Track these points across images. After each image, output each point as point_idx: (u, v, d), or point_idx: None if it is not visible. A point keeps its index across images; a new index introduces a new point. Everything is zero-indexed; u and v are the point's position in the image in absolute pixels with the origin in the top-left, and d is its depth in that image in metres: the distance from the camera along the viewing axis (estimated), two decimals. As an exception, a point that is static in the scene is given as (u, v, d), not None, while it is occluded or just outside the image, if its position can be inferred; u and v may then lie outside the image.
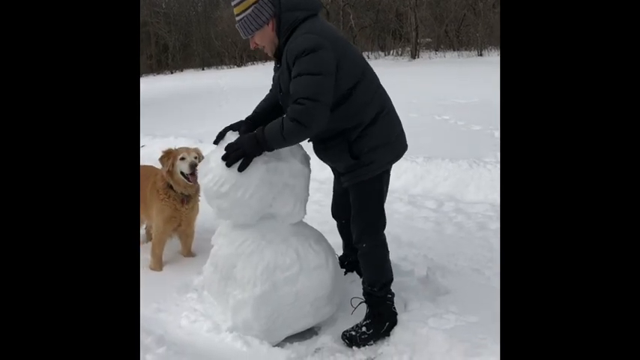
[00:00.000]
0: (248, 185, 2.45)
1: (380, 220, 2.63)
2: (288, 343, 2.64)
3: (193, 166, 3.26)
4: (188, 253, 3.70)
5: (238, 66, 26.56)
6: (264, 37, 2.41)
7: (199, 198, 3.50)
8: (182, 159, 3.33)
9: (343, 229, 3.06)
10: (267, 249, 2.58)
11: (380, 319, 2.64)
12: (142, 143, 8.09)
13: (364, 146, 2.44)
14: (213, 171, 2.49)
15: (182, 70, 29.17)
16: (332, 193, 3.05)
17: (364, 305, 2.71)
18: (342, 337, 2.63)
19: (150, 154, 7.48)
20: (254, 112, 2.70)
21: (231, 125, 2.68)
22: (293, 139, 2.36)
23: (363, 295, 2.70)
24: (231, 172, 2.44)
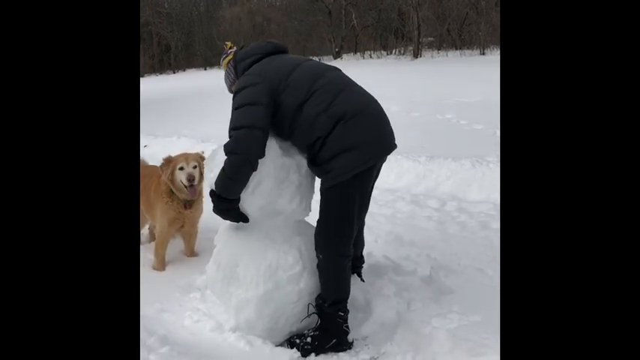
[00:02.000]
0: (254, 181, 2.46)
1: (336, 233, 2.49)
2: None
3: (191, 179, 3.26)
4: (191, 253, 3.71)
5: (240, 65, 26.57)
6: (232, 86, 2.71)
7: (203, 199, 3.50)
8: (181, 169, 3.31)
9: None
10: (270, 248, 2.59)
11: (326, 333, 2.56)
12: (144, 143, 8.10)
13: (324, 155, 2.41)
14: (218, 167, 2.48)
15: (184, 70, 29.19)
16: None
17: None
18: (286, 342, 2.61)
19: (152, 153, 7.50)
20: None
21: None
22: (239, 173, 2.41)
23: (316, 306, 2.61)
24: None
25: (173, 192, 3.38)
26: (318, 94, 2.43)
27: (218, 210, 2.53)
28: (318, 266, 2.56)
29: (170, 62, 30.40)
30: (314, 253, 2.60)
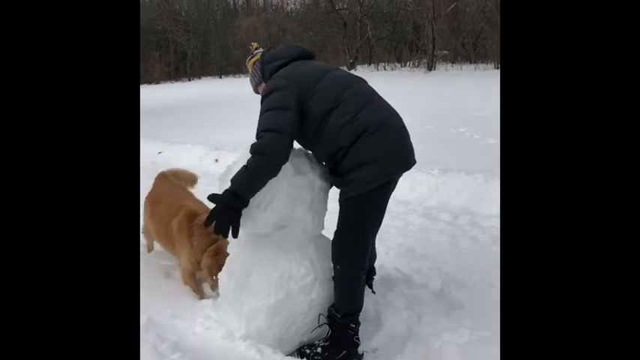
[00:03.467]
0: (266, 199, 2.48)
1: (353, 244, 2.50)
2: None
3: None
4: (215, 287, 3.21)
5: (255, 75, 26.73)
6: (259, 87, 2.78)
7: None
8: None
9: None
10: (282, 258, 2.60)
11: (337, 344, 2.56)
12: (158, 150, 8.18)
13: (346, 165, 2.43)
14: None
15: (200, 78, 29.40)
16: None
17: None
18: (296, 351, 2.61)
19: (166, 160, 7.59)
20: None
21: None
22: (261, 174, 2.38)
23: (328, 316, 2.62)
24: None
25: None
26: (344, 105, 2.44)
27: (222, 207, 2.41)
28: (334, 277, 2.57)
29: (186, 70, 30.63)
30: (326, 264, 2.61)
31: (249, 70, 2.79)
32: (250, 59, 2.78)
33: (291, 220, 2.61)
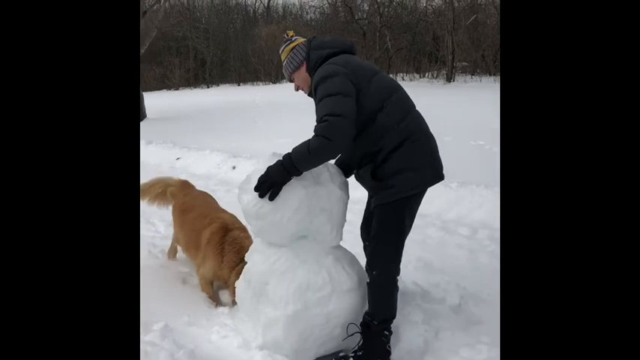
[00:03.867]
0: (286, 209, 2.48)
1: (393, 250, 2.55)
2: (317, 365, 2.62)
3: None
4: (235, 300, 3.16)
5: (273, 83, 26.88)
6: (300, 78, 2.69)
7: None
8: None
9: (367, 252, 3.04)
10: (300, 268, 2.59)
11: (370, 353, 2.56)
12: (177, 156, 8.24)
13: (387, 170, 2.47)
14: (252, 192, 2.52)
15: (218, 85, 29.64)
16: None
17: None
18: None
19: (184, 166, 7.63)
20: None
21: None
22: (320, 156, 2.38)
23: (361, 325, 2.63)
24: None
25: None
26: (391, 108, 2.48)
27: (278, 166, 2.42)
28: (370, 283, 2.58)
29: (205, 77, 30.90)
30: (344, 276, 2.60)
31: (284, 57, 2.71)
32: (288, 45, 2.69)
33: (309, 230, 2.61)
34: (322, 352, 2.62)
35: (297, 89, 2.81)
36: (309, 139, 2.36)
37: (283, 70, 2.76)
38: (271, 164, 2.47)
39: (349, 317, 2.60)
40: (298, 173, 2.42)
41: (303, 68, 2.65)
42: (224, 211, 3.57)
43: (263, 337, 2.63)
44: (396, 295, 2.62)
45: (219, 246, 3.18)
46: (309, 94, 2.70)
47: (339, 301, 2.58)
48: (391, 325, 2.61)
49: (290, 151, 2.41)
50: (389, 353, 2.59)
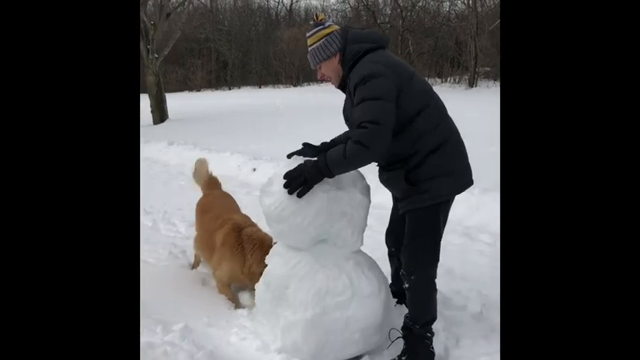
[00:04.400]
0: (307, 212, 2.48)
1: (431, 253, 2.56)
2: (335, 370, 2.60)
3: None
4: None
5: (294, 86, 26.97)
6: (330, 68, 2.55)
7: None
8: None
9: (392, 258, 3.02)
10: (320, 273, 2.58)
11: (415, 357, 2.56)
12: (198, 157, 8.29)
13: (422, 174, 2.44)
14: (274, 195, 2.52)
15: (239, 87, 29.82)
16: (388, 218, 3.02)
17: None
18: None
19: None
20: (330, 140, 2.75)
21: (304, 148, 2.71)
22: (356, 162, 2.37)
23: (402, 329, 2.64)
24: (291, 198, 2.47)
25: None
26: (429, 112, 2.46)
27: (304, 179, 2.40)
28: (409, 289, 2.58)
29: (226, 79, 31.11)
30: (365, 281, 2.58)
31: (313, 41, 2.52)
32: (321, 30, 2.51)
33: (330, 234, 2.60)
34: (341, 356, 2.60)
35: (321, 78, 2.65)
36: (346, 145, 2.33)
37: (309, 56, 2.58)
38: (303, 162, 2.47)
39: (369, 322, 2.58)
40: (331, 176, 2.41)
41: (336, 59, 2.52)
42: (237, 212, 3.58)
43: (282, 341, 2.62)
44: (436, 297, 2.63)
45: (237, 246, 3.17)
46: (339, 86, 2.63)
47: (359, 306, 2.56)
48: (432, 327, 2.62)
49: (325, 153, 2.40)
50: (433, 355, 2.59)
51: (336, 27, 2.53)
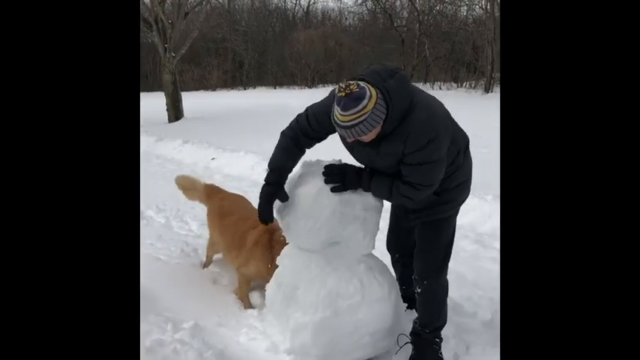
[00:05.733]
0: (319, 215, 2.48)
1: (446, 260, 2.59)
2: (344, 373, 2.60)
3: None
4: None
5: (309, 87, 26.98)
6: (374, 133, 2.21)
7: None
8: None
9: (397, 264, 3.01)
10: (331, 275, 2.58)
11: None
12: (212, 156, 8.33)
13: (449, 184, 2.42)
14: (290, 197, 2.53)
15: (255, 87, 29.89)
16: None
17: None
18: None
19: (219, 167, 7.71)
20: (275, 171, 2.57)
21: (268, 200, 2.56)
22: (396, 202, 2.48)
23: (411, 334, 2.64)
24: (304, 200, 2.47)
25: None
26: (456, 132, 2.42)
27: (343, 183, 2.45)
28: (422, 293, 2.58)
29: (242, 78, 31.21)
30: (375, 285, 2.58)
31: (357, 118, 2.11)
32: (363, 108, 2.09)
33: (342, 237, 2.60)
34: (350, 359, 2.60)
35: (352, 141, 2.29)
36: (394, 188, 2.33)
37: (348, 131, 2.16)
38: (347, 164, 2.49)
39: (378, 326, 2.58)
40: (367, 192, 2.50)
41: (380, 125, 2.19)
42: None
43: (291, 342, 2.62)
44: (446, 302, 2.65)
45: (268, 247, 3.19)
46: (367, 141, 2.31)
47: (369, 309, 2.55)
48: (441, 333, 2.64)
49: (371, 174, 2.43)
50: None
51: (375, 93, 2.13)
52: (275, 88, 28.72)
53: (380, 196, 2.47)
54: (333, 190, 2.44)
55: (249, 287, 3.33)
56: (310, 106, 2.51)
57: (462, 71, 23.14)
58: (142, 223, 4.84)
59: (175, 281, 3.53)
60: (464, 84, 21.85)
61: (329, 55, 27.75)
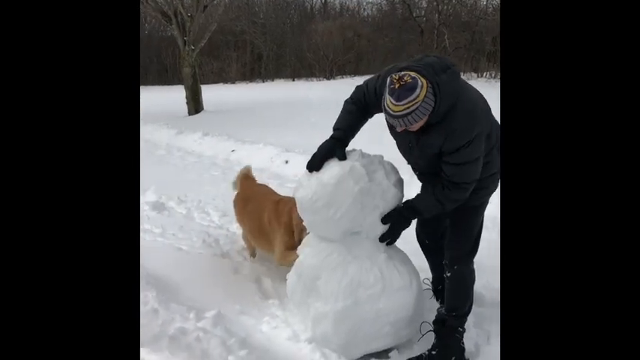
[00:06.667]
0: (340, 205, 2.50)
1: (476, 246, 2.65)
2: (364, 361, 2.62)
3: None
4: None
5: (327, 79, 26.90)
6: (421, 123, 2.26)
7: None
8: None
9: (429, 252, 3.03)
10: (352, 264, 2.59)
11: (447, 351, 2.57)
12: (232, 148, 8.38)
13: (483, 173, 2.42)
14: (310, 186, 2.55)
15: (273, 80, 29.91)
16: None
17: None
18: None
19: (239, 159, 7.75)
20: (340, 129, 2.60)
21: (324, 153, 2.57)
22: (448, 206, 2.48)
23: (434, 323, 2.65)
24: (325, 190, 2.50)
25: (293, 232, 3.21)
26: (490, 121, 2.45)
27: (397, 233, 2.64)
28: (452, 278, 2.61)
29: (260, 71, 31.25)
30: (396, 274, 2.59)
31: (407, 108, 2.16)
32: (415, 98, 2.15)
33: (362, 227, 2.61)
34: (370, 349, 2.62)
35: (401, 130, 2.34)
36: (437, 196, 2.43)
37: (398, 120, 2.21)
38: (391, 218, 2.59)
39: (399, 316, 2.58)
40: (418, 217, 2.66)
41: (427, 117, 2.24)
42: (274, 192, 3.69)
43: (312, 331, 2.65)
44: (473, 288, 2.70)
45: (279, 217, 3.26)
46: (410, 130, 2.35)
47: (390, 299, 2.56)
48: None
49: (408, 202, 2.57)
50: (464, 350, 2.60)
51: (425, 84, 2.17)
52: (293, 80, 28.69)
53: (432, 211, 2.52)
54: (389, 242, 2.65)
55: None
56: (366, 80, 2.61)
57: (482, 61, 22.86)
58: (164, 214, 4.91)
59: (197, 271, 3.58)
60: (484, 74, 21.59)
61: (347, 47, 27.60)
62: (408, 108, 2.15)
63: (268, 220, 3.34)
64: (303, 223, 2.81)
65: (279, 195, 3.59)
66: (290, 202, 3.19)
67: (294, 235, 3.20)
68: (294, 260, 3.09)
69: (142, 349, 2.53)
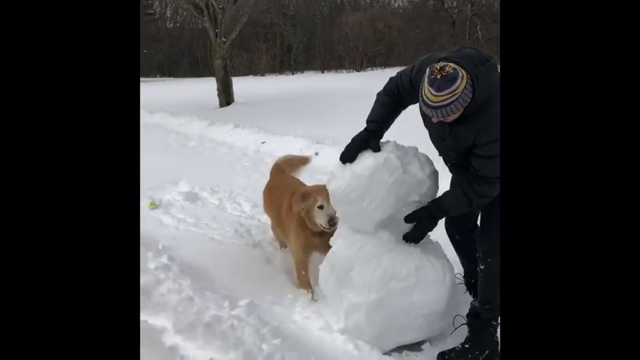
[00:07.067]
0: (374, 196, 2.50)
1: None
2: (397, 353, 2.63)
3: (333, 223, 2.95)
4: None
5: (357, 71, 26.79)
6: (457, 114, 2.28)
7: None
8: (320, 207, 3.01)
9: (459, 246, 3.01)
10: (385, 256, 2.59)
11: (480, 345, 2.55)
12: (262, 140, 8.43)
13: None
14: (344, 178, 2.55)
15: (302, 72, 29.94)
16: None
17: None
18: (438, 358, 2.58)
19: (270, 150, 7.80)
20: (374, 122, 2.61)
21: (358, 145, 2.58)
22: (479, 204, 2.50)
23: (467, 316, 2.63)
24: (359, 181, 2.50)
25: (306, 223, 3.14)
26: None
27: (425, 232, 2.64)
28: (485, 270, 2.56)
29: (290, 63, 31.31)
30: (429, 267, 2.57)
31: (446, 99, 2.19)
32: (456, 89, 2.17)
33: (397, 219, 2.60)
34: (403, 340, 2.61)
35: (437, 121, 2.37)
36: (467, 194, 2.44)
37: (435, 111, 2.24)
38: (414, 214, 2.58)
39: (433, 309, 2.57)
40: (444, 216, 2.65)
41: (464, 108, 2.27)
42: (299, 184, 3.64)
43: (345, 322, 2.66)
44: None
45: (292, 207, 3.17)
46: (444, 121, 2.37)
47: (423, 292, 2.55)
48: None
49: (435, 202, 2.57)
50: (497, 344, 2.57)
51: (465, 75, 2.19)
52: (323, 72, 28.67)
53: (460, 208, 2.54)
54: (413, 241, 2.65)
55: (307, 266, 3.24)
56: (400, 72, 2.61)
57: (515, 52, 22.48)
58: (197, 204, 4.98)
59: (230, 260, 3.62)
60: (517, 66, 21.24)
61: (377, 38, 27.44)
62: (448, 99, 2.18)
63: (285, 212, 3.30)
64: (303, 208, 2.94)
65: (301, 186, 3.54)
66: (299, 190, 3.20)
67: (308, 227, 3.10)
68: (305, 280, 3.19)
69: (177, 337, 2.59)
